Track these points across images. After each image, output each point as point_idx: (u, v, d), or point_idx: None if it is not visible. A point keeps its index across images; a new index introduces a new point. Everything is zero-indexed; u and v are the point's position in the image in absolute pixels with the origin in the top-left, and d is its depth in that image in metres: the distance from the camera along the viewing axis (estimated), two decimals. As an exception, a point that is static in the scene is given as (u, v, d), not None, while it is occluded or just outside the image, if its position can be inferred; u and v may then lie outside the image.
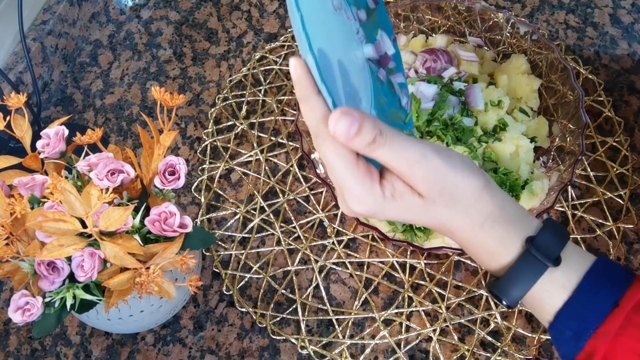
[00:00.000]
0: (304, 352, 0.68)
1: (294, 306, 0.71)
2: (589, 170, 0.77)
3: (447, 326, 0.69)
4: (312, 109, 0.42)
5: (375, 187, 0.43)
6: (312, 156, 0.69)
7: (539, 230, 0.46)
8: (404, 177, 0.43)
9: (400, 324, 0.69)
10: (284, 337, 0.69)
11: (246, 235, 0.76)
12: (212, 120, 0.85)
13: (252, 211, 0.78)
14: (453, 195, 0.44)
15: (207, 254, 0.75)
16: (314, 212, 0.77)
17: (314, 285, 0.72)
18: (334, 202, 0.77)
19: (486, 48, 0.82)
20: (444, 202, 0.44)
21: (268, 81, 0.88)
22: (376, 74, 0.51)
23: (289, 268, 0.73)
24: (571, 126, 0.72)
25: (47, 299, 0.53)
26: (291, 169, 0.80)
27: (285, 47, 0.91)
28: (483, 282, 0.71)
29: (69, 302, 0.53)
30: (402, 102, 0.53)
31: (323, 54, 0.43)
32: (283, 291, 0.72)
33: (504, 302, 0.46)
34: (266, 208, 0.77)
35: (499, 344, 0.68)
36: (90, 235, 0.53)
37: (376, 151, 0.41)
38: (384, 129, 0.40)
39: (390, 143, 0.41)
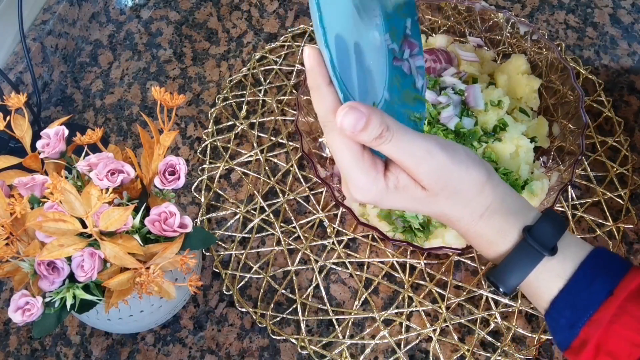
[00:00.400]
0: (304, 352, 0.68)
1: (294, 306, 0.71)
2: (589, 170, 0.78)
3: (447, 326, 0.69)
4: (323, 99, 0.43)
5: (379, 178, 0.44)
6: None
7: (536, 220, 0.46)
8: (409, 171, 0.44)
9: (400, 324, 0.69)
10: (284, 337, 0.69)
11: (246, 235, 0.76)
12: (212, 120, 0.85)
13: (252, 211, 0.78)
14: (456, 188, 0.44)
15: (207, 254, 0.75)
16: (314, 212, 0.77)
17: (314, 285, 0.72)
18: (334, 202, 0.77)
19: (486, 48, 0.82)
20: (447, 194, 0.45)
21: (268, 81, 0.88)
22: (393, 55, 0.51)
23: (289, 268, 0.73)
24: (571, 126, 0.72)
25: (47, 299, 0.53)
26: (291, 169, 0.80)
27: (285, 47, 0.91)
28: (483, 282, 0.71)
29: (69, 302, 0.53)
30: (418, 84, 0.53)
31: (340, 39, 0.43)
32: (283, 291, 0.72)
33: (501, 290, 0.47)
34: (266, 208, 0.77)
35: (499, 344, 0.68)
36: (90, 235, 0.53)
37: (382, 145, 0.42)
38: (391, 124, 0.41)
39: (397, 138, 0.41)
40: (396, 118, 0.47)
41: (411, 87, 0.53)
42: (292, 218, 0.77)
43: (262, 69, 0.89)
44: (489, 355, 0.67)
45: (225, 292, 0.73)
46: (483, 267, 0.72)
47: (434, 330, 0.69)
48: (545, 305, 0.46)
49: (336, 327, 0.70)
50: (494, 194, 0.46)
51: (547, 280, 0.46)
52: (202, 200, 0.79)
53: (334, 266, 0.73)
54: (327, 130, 0.43)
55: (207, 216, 0.78)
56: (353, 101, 0.41)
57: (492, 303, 0.70)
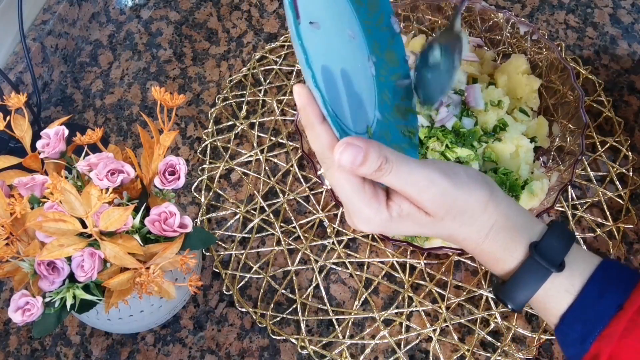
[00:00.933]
0: (304, 352, 0.68)
1: (294, 306, 0.71)
2: (589, 170, 0.77)
3: (447, 326, 0.69)
4: (318, 137, 0.43)
5: (382, 209, 0.44)
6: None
7: (543, 235, 0.46)
8: (411, 199, 0.44)
9: (400, 324, 0.69)
10: (284, 337, 0.69)
11: (246, 235, 0.76)
12: (212, 120, 0.85)
13: (252, 211, 0.78)
14: (460, 210, 0.45)
15: (207, 254, 0.75)
16: (314, 212, 0.77)
17: (314, 285, 0.72)
18: (334, 202, 0.77)
19: (486, 48, 0.82)
20: (451, 217, 0.45)
21: (268, 81, 0.88)
22: (380, 67, 0.51)
23: (289, 268, 0.73)
24: (571, 126, 0.72)
25: (47, 299, 0.53)
26: (291, 169, 0.80)
27: (285, 47, 0.91)
28: (483, 282, 0.71)
29: (69, 302, 0.53)
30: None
31: (326, 70, 0.43)
32: (283, 291, 0.72)
33: (509, 306, 0.47)
34: (266, 208, 0.77)
35: (499, 344, 0.68)
36: (90, 235, 0.53)
37: (382, 178, 0.42)
38: (390, 156, 0.41)
39: (397, 169, 0.42)
40: (390, 135, 0.46)
41: (400, 101, 0.53)
42: (292, 218, 0.77)
43: (262, 69, 0.89)
44: (489, 355, 0.67)
45: (225, 292, 0.73)
46: (483, 267, 0.72)
47: (434, 330, 0.68)
48: (555, 320, 0.46)
49: (336, 327, 0.70)
50: (498, 211, 0.46)
51: (555, 296, 0.45)
52: (202, 200, 0.79)
53: (334, 266, 0.73)
54: (326, 166, 0.43)
55: (207, 216, 0.78)
56: (349, 136, 0.41)
57: (492, 303, 0.70)
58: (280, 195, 0.78)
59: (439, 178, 0.43)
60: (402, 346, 0.68)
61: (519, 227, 0.46)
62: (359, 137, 0.41)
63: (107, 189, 0.51)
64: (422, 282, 0.72)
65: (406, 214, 0.44)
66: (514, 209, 0.47)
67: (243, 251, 0.75)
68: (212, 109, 0.86)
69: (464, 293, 0.71)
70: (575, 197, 0.76)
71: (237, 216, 0.77)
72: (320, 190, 0.78)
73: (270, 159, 0.81)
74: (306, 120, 0.43)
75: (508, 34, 0.80)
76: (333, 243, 0.75)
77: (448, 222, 0.45)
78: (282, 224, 0.76)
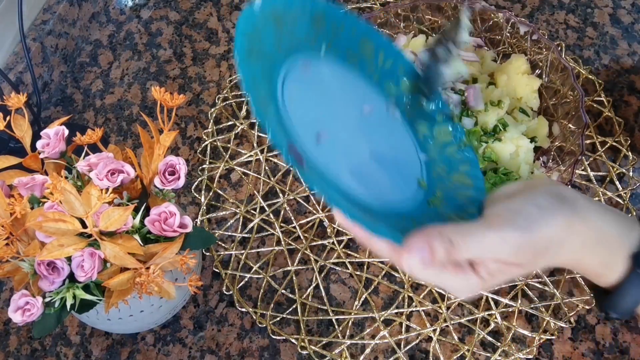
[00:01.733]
0: (304, 352, 0.68)
1: (294, 306, 0.71)
2: (589, 170, 0.77)
3: (447, 326, 0.69)
4: (380, 248, 0.44)
5: (470, 276, 0.43)
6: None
7: None
8: (494, 261, 0.43)
9: (400, 324, 0.69)
10: (284, 337, 0.69)
11: (246, 235, 0.76)
12: (212, 120, 0.85)
13: (252, 211, 0.78)
14: (545, 249, 0.43)
15: (207, 254, 0.75)
16: (314, 212, 0.77)
17: (314, 285, 0.72)
18: (334, 202, 0.77)
19: (486, 48, 0.82)
20: (540, 257, 0.44)
21: (268, 81, 0.88)
22: (401, 97, 0.50)
23: (289, 268, 0.73)
24: (571, 126, 0.72)
25: (47, 299, 0.53)
26: (291, 169, 0.80)
27: (285, 47, 0.91)
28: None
29: (69, 302, 0.53)
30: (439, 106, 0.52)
31: (356, 171, 0.44)
32: (283, 291, 0.72)
33: (613, 316, 0.46)
34: (266, 208, 0.77)
35: (499, 344, 0.68)
36: (90, 235, 0.53)
37: (456, 257, 0.41)
38: (452, 235, 0.41)
39: (465, 245, 0.41)
40: (445, 166, 0.46)
41: (437, 122, 0.52)
42: (292, 218, 0.77)
43: (262, 69, 0.89)
44: (489, 355, 0.67)
45: (225, 292, 0.72)
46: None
47: (434, 330, 0.69)
48: None
49: (336, 327, 0.70)
50: (586, 226, 0.44)
51: None
52: (202, 200, 0.79)
53: (334, 266, 0.73)
54: (402, 268, 0.44)
55: (207, 216, 0.78)
56: (407, 240, 0.41)
57: (492, 303, 0.70)
58: (280, 195, 0.78)
59: (509, 234, 0.42)
60: (402, 346, 0.68)
61: (614, 239, 0.44)
62: (416, 234, 0.41)
63: (107, 189, 0.51)
64: (422, 282, 0.72)
65: (496, 271, 0.43)
66: (606, 218, 0.45)
67: (243, 251, 0.75)
68: (212, 109, 0.86)
69: (464, 293, 0.71)
70: (575, 197, 0.76)
71: (237, 216, 0.77)
72: (320, 190, 0.78)
73: (270, 159, 0.81)
74: (359, 240, 0.44)
75: (508, 34, 0.80)
76: (333, 243, 0.75)
77: (540, 262, 0.44)
78: (282, 224, 0.76)
